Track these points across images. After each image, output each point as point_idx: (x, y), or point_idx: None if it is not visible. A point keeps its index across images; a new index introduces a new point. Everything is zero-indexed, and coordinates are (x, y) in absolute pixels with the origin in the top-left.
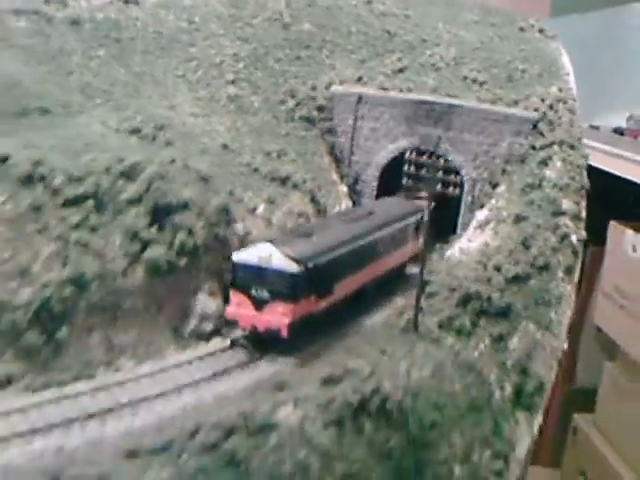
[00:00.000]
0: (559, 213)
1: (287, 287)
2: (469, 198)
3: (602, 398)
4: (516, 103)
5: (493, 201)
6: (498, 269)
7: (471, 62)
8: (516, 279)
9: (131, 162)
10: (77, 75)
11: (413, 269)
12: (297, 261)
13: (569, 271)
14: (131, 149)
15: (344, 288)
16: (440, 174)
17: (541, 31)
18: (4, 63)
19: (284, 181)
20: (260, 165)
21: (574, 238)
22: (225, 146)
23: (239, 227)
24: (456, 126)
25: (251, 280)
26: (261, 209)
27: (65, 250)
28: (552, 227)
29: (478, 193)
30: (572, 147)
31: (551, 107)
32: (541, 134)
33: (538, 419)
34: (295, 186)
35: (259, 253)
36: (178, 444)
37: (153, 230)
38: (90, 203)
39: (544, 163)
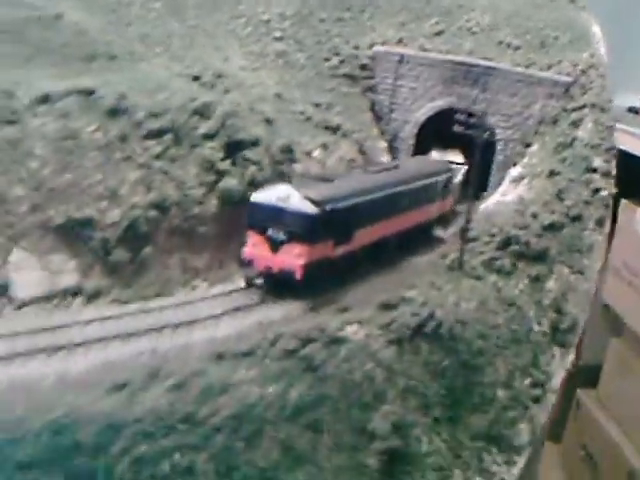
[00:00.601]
0: (591, 170)
1: (303, 228)
2: (501, 157)
3: (606, 374)
4: (549, 67)
5: (526, 159)
6: (535, 217)
7: (505, 28)
8: (551, 227)
9: (203, 101)
10: (136, 26)
11: (440, 231)
12: (315, 203)
13: (600, 223)
14: (197, 92)
15: (363, 237)
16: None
17: (572, 1)
18: (69, 13)
19: (335, 130)
20: (312, 114)
21: (605, 193)
22: (279, 95)
23: (298, 167)
24: (492, 87)
25: (268, 220)
26: (316, 153)
27: (149, 177)
28: (584, 182)
29: (510, 152)
30: (602, 110)
31: (583, 72)
32: (572, 97)
33: (570, 356)
34: (345, 135)
35: (277, 194)
36: (261, 350)
37: (227, 163)
38: (169, 136)
39: (575, 124)
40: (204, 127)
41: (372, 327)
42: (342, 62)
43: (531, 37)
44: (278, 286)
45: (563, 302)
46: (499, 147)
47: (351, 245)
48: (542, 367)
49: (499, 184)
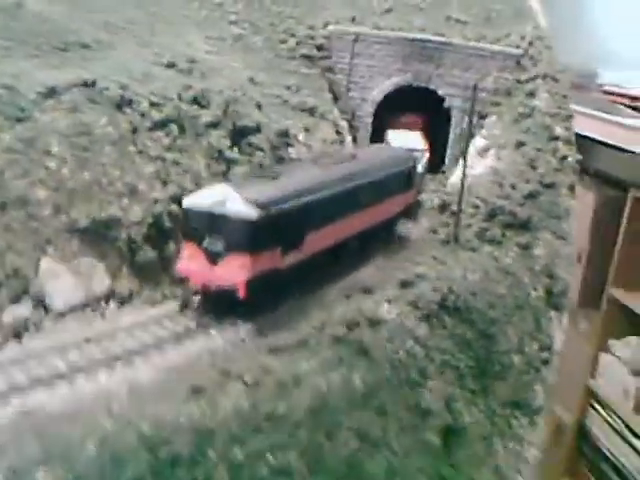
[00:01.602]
0: (554, 138)
1: (244, 236)
2: (457, 130)
3: None
4: (498, 41)
5: (485, 131)
6: (513, 187)
7: (452, 3)
8: (530, 196)
9: (199, 89)
10: (96, 13)
11: (404, 226)
12: (257, 205)
13: (571, 188)
14: (181, 79)
15: (317, 242)
16: None
17: None
18: (28, 1)
19: (311, 112)
20: (287, 97)
21: (571, 159)
22: (252, 79)
23: (293, 151)
24: (446, 62)
25: (203, 229)
26: (302, 136)
27: (164, 170)
28: (551, 150)
29: (465, 125)
30: (554, 79)
31: (530, 44)
32: (524, 69)
33: (565, 318)
34: (322, 117)
35: (212, 196)
36: (313, 338)
37: (235, 151)
38: (174, 126)
39: (532, 95)
40: (208, 115)
41: (401, 305)
42: (298, 43)
43: (477, 12)
44: (217, 306)
45: (552, 267)
46: (455, 120)
47: (302, 252)
48: (545, 331)
49: (457, 157)
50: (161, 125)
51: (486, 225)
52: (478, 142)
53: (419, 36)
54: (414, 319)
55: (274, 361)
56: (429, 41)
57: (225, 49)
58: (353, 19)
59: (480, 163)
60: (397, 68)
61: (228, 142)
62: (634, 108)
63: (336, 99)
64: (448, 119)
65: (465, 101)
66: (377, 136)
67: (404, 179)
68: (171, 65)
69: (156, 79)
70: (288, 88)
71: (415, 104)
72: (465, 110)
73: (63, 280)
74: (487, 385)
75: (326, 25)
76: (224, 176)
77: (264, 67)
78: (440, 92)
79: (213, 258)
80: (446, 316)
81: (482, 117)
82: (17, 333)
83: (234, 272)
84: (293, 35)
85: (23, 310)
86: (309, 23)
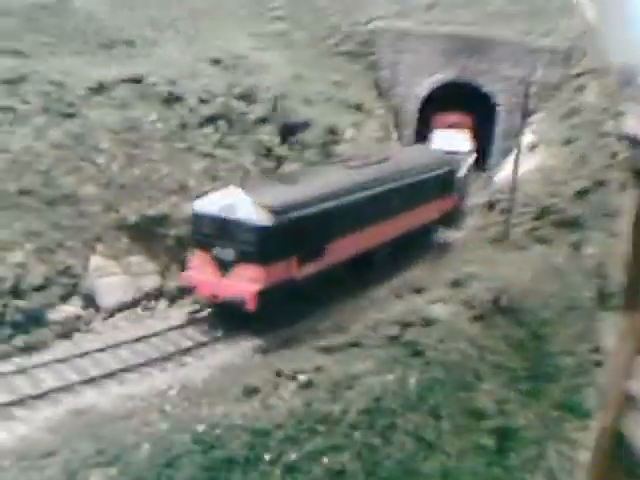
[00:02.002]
0: (604, 134)
1: (256, 245)
2: (503, 127)
3: None
4: (545, 35)
5: (534, 127)
6: (564, 184)
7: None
8: (580, 193)
9: (247, 85)
10: (140, 10)
11: (442, 234)
12: (271, 211)
13: (623, 186)
14: (226, 75)
15: (339, 251)
16: None
17: None
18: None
19: (358, 108)
20: (333, 94)
21: (622, 156)
22: (297, 76)
23: (340, 148)
24: (492, 58)
25: (214, 236)
26: (350, 133)
27: (213, 166)
28: (601, 147)
29: (513, 121)
30: (603, 74)
31: (578, 38)
32: (572, 63)
33: (618, 317)
34: (369, 113)
35: (223, 201)
36: (366, 339)
37: (285, 148)
38: (222, 122)
39: (580, 90)
40: (257, 111)
41: (454, 305)
42: (343, 39)
43: (522, 5)
44: (226, 318)
45: (604, 266)
46: (501, 116)
47: (323, 261)
48: (596, 332)
49: (503, 153)
50: (209, 121)
51: (537, 223)
52: (527, 138)
53: (464, 31)
54: (467, 319)
55: (328, 361)
56: (474, 37)
57: (268, 45)
58: (397, 14)
59: (528, 160)
60: (442, 64)
61: (277, 139)
62: None
63: (380, 95)
64: (492, 116)
65: (511, 97)
66: (423, 134)
67: (441, 184)
68: (217, 61)
69: (203, 75)
70: (334, 84)
71: (459, 101)
72: (511, 107)
73: (113, 278)
74: (539, 387)
75: (370, 21)
76: (273, 173)
77: (308, 63)
78: (485, 89)
79: (223, 268)
80: (499, 316)
81: (530, 113)
82: (67, 331)
83: (245, 283)
84: (337, 31)
85: (73, 308)
86: (353, 19)
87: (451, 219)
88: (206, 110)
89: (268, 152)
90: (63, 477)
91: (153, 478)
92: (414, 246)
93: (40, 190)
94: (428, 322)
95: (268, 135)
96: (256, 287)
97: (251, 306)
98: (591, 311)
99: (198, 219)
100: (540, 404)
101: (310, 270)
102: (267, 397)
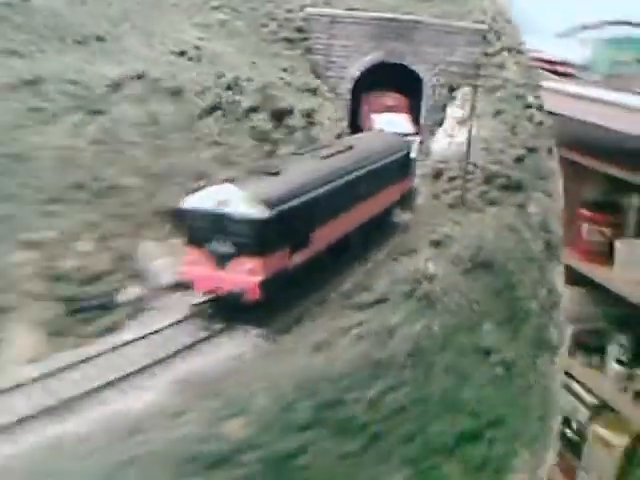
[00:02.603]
0: (528, 106)
1: (254, 237)
2: (429, 103)
3: None
4: (463, 17)
5: (459, 102)
6: (502, 152)
7: None
8: (518, 159)
9: (232, 76)
10: (93, 5)
11: (401, 215)
12: (266, 203)
13: (550, 151)
14: (197, 67)
15: (323, 238)
16: None
17: None
18: None
19: (314, 92)
20: (290, 80)
21: (547, 124)
22: (254, 63)
23: (316, 130)
24: (417, 39)
25: (208, 231)
26: (319, 116)
27: (223, 154)
28: (527, 117)
29: (438, 97)
30: (519, 52)
31: (493, 19)
32: (490, 43)
33: (562, 268)
34: (323, 96)
35: (217, 196)
36: (390, 294)
37: (278, 132)
38: (219, 113)
39: (501, 67)
40: (248, 100)
41: (441, 262)
42: (279, 27)
43: None
44: (228, 311)
45: (546, 222)
46: (427, 93)
47: (310, 250)
48: (549, 278)
49: (430, 128)
50: (208, 112)
51: (485, 188)
52: (456, 113)
53: (391, 15)
54: (457, 274)
55: (367, 316)
56: (400, 20)
57: (214, 35)
58: (327, 2)
59: (462, 132)
60: (371, 47)
61: (270, 124)
62: (553, 72)
63: (318, 79)
64: (419, 93)
65: (435, 75)
66: (355, 115)
67: (401, 166)
68: (182, 53)
69: (182, 68)
70: (284, 70)
71: (389, 82)
72: (435, 84)
73: (161, 261)
74: (517, 328)
75: (303, 8)
76: (271, 155)
77: (255, 51)
78: (411, 68)
79: (220, 261)
80: (480, 270)
81: (453, 89)
82: (135, 312)
83: (245, 275)
84: (273, 19)
85: (136, 290)
86: (287, 6)
87: (408, 198)
88: (203, 102)
89: (264, 137)
90: (201, 429)
91: (276, 419)
92: (381, 226)
93: (88, 183)
94: (430, 278)
95: (261, 122)
96: (257, 278)
97: (254, 296)
98: (543, 261)
99: (191, 215)
100: (519, 343)
101: (299, 259)
102: (332, 350)
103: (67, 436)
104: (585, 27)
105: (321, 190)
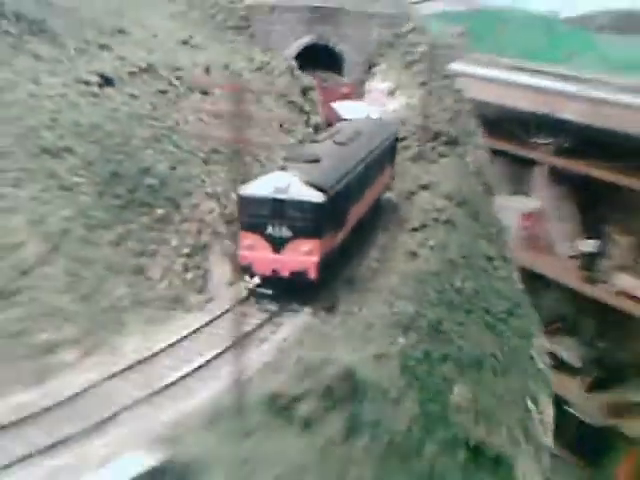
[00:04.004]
0: (447, 76)
1: (312, 220)
2: (351, 77)
3: None
4: (375, 3)
5: (379, 76)
6: (435, 115)
7: None
8: (450, 120)
9: (261, 60)
10: (98, 3)
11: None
12: (321, 189)
13: (471, 113)
14: (201, 53)
15: (352, 218)
16: None
17: None
18: None
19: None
20: (259, 65)
21: (464, 91)
22: (228, 51)
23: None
24: (340, 24)
25: (266, 216)
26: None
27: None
28: (447, 86)
29: (358, 73)
30: (423, 32)
31: (398, 4)
32: (400, 25)
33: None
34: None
35: (274, 183)
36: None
37: (307, 105)
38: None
39: (414, 45)
40: (280, 82)
41: (441, 199)
42: (227, 16)
43: None
44: (287, 290)
45: (482, 169)
46: (349, 69)
47: (345, 230)
48: (492, 213)
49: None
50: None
51: (434, 144)
52: (382, 85)
53: (319, 4)
54: (453, 207)
55: (423, 235)
56: (326, 7)
57: (180, 25)
58: None
59: (393, 101)
60: (304, 31)
61: (300, 98)
62: None
63: None
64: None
65: (356, 53)
66: None
67: (392, 149)
68: (185, 42)
69: (195, 52)
70: (245, 56)
71: (317, 61)
72: (356, 60)
73: None
74: (491, 237)
75: None
76: (307, 123)
77: (216, 39)
78: (337, 48)
79: (277, 245)
80: (462, 204)
81: (372, 65)
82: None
83: (304, 256)
84: (222, 9)
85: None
86: None
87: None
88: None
89: (300, 109)
90: None
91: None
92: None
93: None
94: (440, 210)
95: (295, 97)
96: (316, 258)
97: (313, 275)
98: (485, 195)
99: (249, 202)
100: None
101: (341, 237)
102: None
103: None
104: None
105: (352, 175)
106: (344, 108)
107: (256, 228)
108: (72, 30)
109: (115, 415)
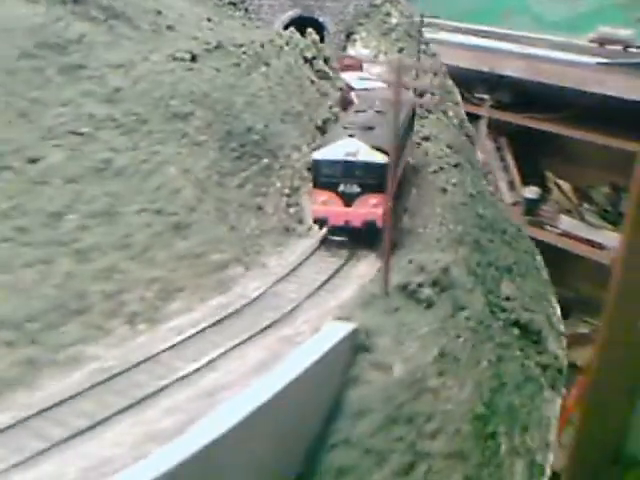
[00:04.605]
0: (423, 42)
1: (377, 178)
2: (332, 46)
3: None
4: None
5: (359, 44)
6: (419, 76)
7: None
8: (431, 81)
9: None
10: None
11: None
12: (384, 152)
13: (446, 74)
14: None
15: (401, 174)
16: None
17: None
18: None
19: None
20: (258, 39)
21: (437, 55)
22: (232, 27)
23: None
24: None
25: (338, 176)
26: None
27: (318, 94)
28: (424, 50)
29: (338, 42)
30: (396, 2)
31: None
32: None
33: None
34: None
35: (345, 149)
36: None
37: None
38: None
39: (388, 15)
40: (308, 52)
41: (445, 148)
42: None
43: None
44: (357, 237)
45: (462, 120)
46: (330, 38)
47: (399, 182)
48: (475, 158)
49: None
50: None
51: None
52: (363, 51)
53: None
54: (457, 157)
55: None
56: None
57: (192, 5)
58: None
59: (376, 67)
60: (290, 5)
61: (325, 67)
62: None
63: None
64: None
65: (336, 24)
66: None
67: (414, 116)
68: (210, 20)
69: (235, 32)
70: (245, 29)
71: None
72: (336, 30)
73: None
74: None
75: None
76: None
77: (223, 15)
78: (320, 19)
79: (348, 200)
80: (460, 157)
81: (349, 35)
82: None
83: (373, 208)
84: None
85: None
86: None
87: None
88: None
89: (327, 77)
90: None
91: None
92: None
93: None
94: (455, 166)
95: (321, 65)
96: (381, 210)
97: (380, 224)
98: (470, 147)
99: (323, 165)
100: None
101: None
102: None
103: None
104: None
105: (401, 139)
106: (353, 79)
107: (330, 186)
108: (134, 13)
109: (298, 305)
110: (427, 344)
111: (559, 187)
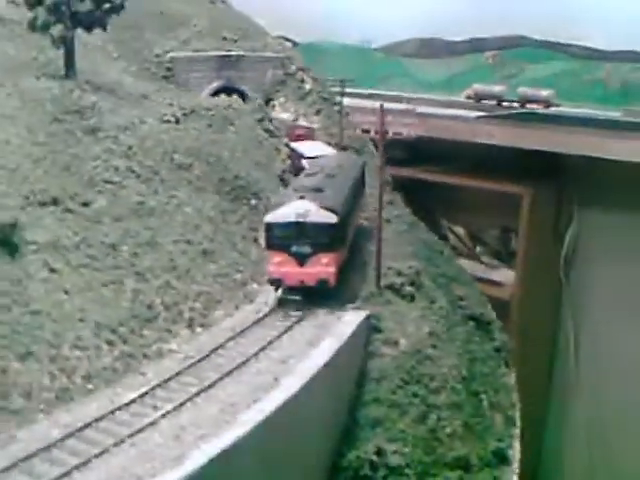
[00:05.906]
0: (334, 104)
1: (329, 238)
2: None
3: None
4: (264, 49)
5: (278, 108)
6: (337, 135)
7: (223, 29)
8: (349, 137)
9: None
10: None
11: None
12: (333, 212)
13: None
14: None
15: (350, 234)
16: None
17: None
18: None
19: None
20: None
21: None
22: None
23: None
24: (242, 68)
25: (290, 237)
26: None
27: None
28: (337, 112)
29: (258, 107)
30: (305, 70)
31: (282, 48)
32: (287, 66)
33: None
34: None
35: (295, 210)
36: None
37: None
38: None
39: (302, 81)
40: (258, 115)
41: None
42: (157, 66)
43: (239, 31)
44: (311, 295)
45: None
46: (250, 105)
47: (346, 246)
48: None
49: None
50: None
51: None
52: (283, 115)
53: (225, 53)
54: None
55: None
56: (231, 56)
57: (134, 78)
58: (181, 48)
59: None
60: (215, 76)
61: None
62: None
63: None
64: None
65: (255, 91)
66: None
67: (364, 177)
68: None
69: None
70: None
71: None
72: (256, 96)
73: None
74: None
75: (166, 53)
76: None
77: (160, 87)
78: (241, 88)
79: (301, 260)
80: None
81: (268, 101)
82: None
83: (324, 267)
84: (150, 61)
85: None
86: (155, 52)
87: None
88: None
89: (275, 135)
90: None
91: None
92: None
93: None
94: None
95: (267, 127)
96: (334, 269)
97: (333, 282)
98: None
99: (275, 227)
100: None
101: (346, 252)
102: None
103: None
104: None
105: (349, 200)
106: (306, 148)
107: (283, 248)
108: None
109: None
110: (419, 325)
111: (454, 233)
